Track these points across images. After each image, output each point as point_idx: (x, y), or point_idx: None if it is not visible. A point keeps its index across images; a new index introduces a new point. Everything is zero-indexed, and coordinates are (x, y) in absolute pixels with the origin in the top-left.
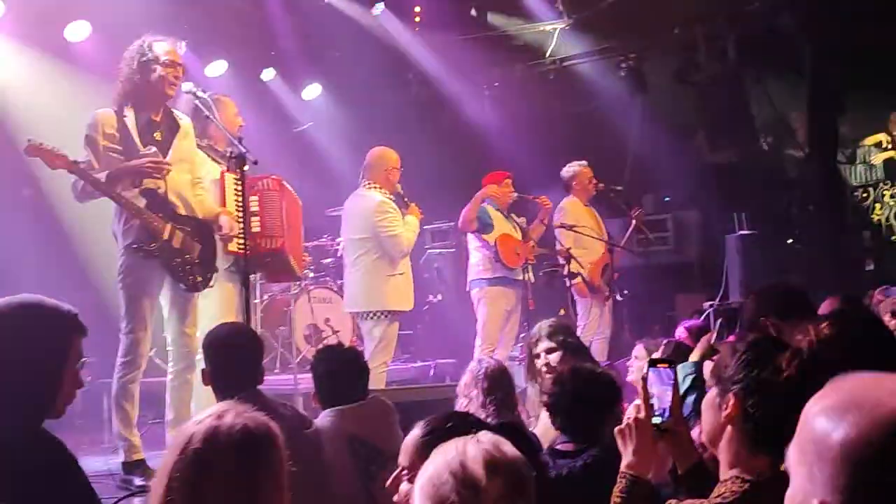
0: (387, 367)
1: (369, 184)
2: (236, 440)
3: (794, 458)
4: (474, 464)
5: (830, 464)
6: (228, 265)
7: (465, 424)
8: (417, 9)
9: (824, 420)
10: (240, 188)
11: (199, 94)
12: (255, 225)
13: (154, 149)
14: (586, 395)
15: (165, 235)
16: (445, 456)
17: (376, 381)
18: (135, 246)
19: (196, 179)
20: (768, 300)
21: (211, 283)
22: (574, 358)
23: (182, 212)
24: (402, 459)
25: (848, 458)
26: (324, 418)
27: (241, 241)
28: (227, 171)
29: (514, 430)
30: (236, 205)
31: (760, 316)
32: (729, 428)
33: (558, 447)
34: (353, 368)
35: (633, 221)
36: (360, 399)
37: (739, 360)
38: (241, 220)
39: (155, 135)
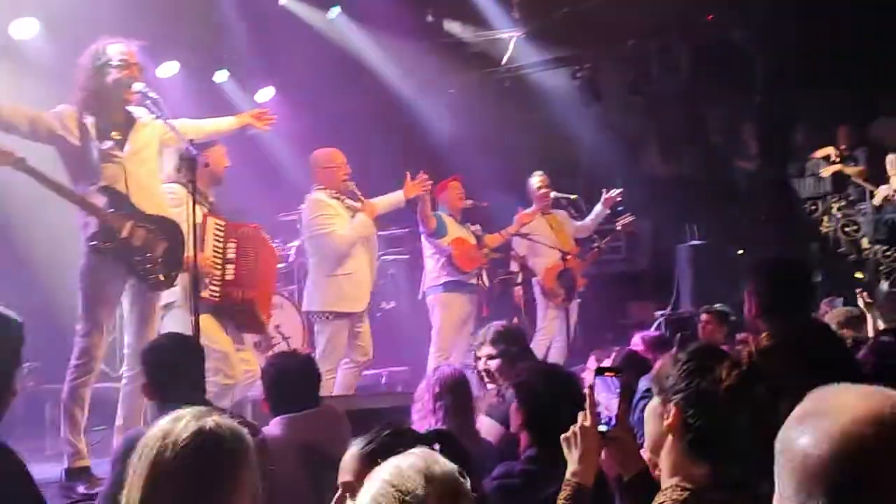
0: (333, 376)
1: (315, 186)
2: (214, 442)
3: (776, 467)
4: (411, 476)
5: (794, 470)
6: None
7: (401, 435)
8: None
9: (791, 429)
10: (220, 233)
11: (151, 94)
12: (230, 273)
13: (111, 143)
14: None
15: (124, 233)
16: (382, 474)
17: (323, 388)
18: (91, 244)
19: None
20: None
21: (175, 283)
22: (512, 369)
23: (146, 208)
24: (344, 476)
25: (806, 464)
26: (274, 426)
27: (215, 288)
28: (209, 214)
29: (446, 437)
30: (214, 250)
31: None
32: (670, 437)
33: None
34: (305, 375)
35: (619, 227)
36: (312, 406)
37: (681, 370)
38: (217, 266)
39: (113, 134)
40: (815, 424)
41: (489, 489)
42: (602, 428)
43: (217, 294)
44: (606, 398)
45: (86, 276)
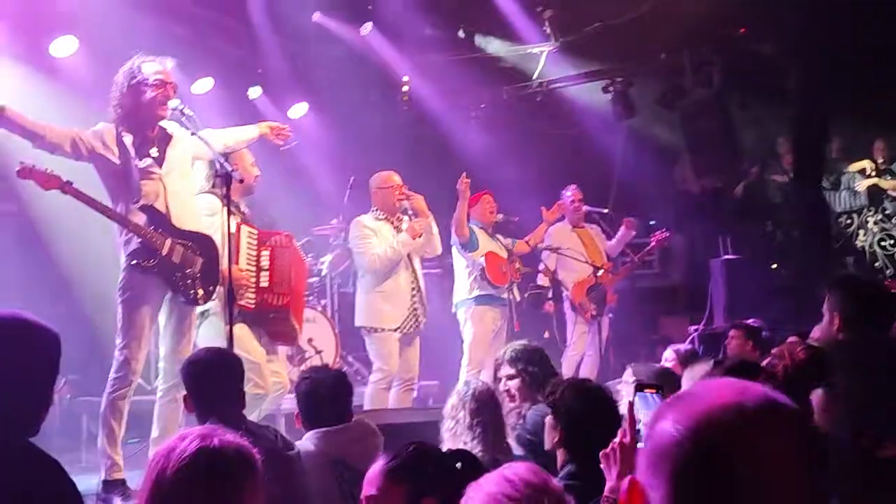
0: (387, 386)
1: (371, 208)
2: (213, 462)
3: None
4: (523, 488)
5: (650, 449)
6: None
7: (426, 452)
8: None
9: (658, 412)
10: (254, 241)
11: (186, 111)
12: (264, 280)
13: (150, 160)
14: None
15: (164, 251)
16: (489, 487)
17: (376, 400)
18: (134, 262)
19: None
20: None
21: (213, 298)
22: (531, 389)
23: (183, 224)
24: (369, 489)
25: (661, 443)
26: (307, 440)
27: (251, 295)
28: (243, 223)
29: (468, 457)
30: (248, 259)
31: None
32: None
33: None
34: (338, 390)
35: (653, 242)
36: (345, 421)
37: None
38: (252, 274)
39: (150, 151)
40: (677, 408)
41: None
42: (642, 444)
43: (253, 301)
44: (646, 415)
45: (125, 291)
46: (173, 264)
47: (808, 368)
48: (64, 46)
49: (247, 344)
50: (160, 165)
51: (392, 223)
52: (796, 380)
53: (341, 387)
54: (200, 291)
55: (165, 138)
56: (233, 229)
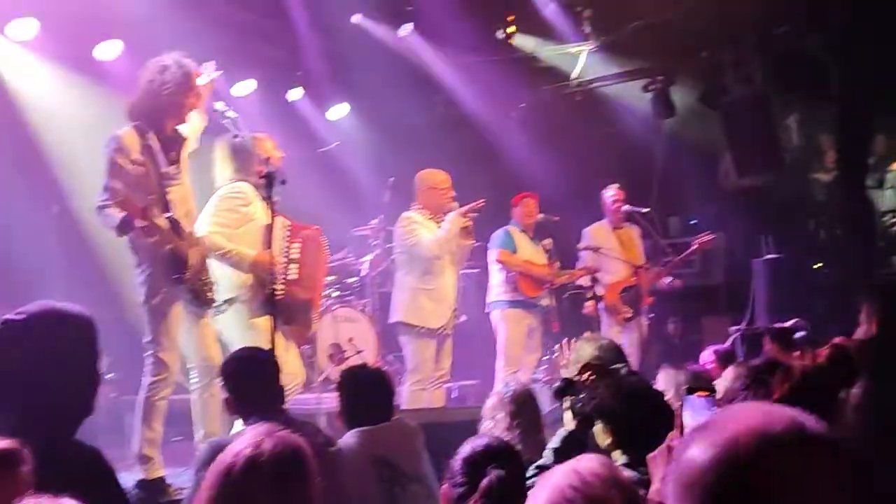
0: (422, 388)
1: (413, 205)
2: (274, 469)
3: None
4: (595, 482)
5: (678, 477)
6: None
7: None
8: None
9: (687, 438)
10: (287, 233)
11: (229, 113)
12: (293, 272)
13: (174, 167)
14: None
15: (191, 262)
16: (559, 478)
17: (412, 401)
18: (169, 276)
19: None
20: None
21: (219, 305)
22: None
23: (190, 229)
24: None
25: (690, 470)
26: (348, 438)
27: (279, 286)
28: (276, 213)
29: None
30: (281, 249)
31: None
32: None
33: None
34: (379, 389)
35: (696, 245)
36: (386, 420)
37: (740, 384)
38: (285, 264)
39: (171, 154)
40: (706, 435)
41: None
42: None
43: (282, 292)
44: (693, 418)
45: (152, 297)
46: (196, 272)
47: (828, 371)
48: (108, 50)
49: (266, 334)
50: (178, 170)
51: (436, 222)
52: (814, 381)
53: (382, 385)
54: (212, 294)
55: (181, 141)
56: (269, 219)
